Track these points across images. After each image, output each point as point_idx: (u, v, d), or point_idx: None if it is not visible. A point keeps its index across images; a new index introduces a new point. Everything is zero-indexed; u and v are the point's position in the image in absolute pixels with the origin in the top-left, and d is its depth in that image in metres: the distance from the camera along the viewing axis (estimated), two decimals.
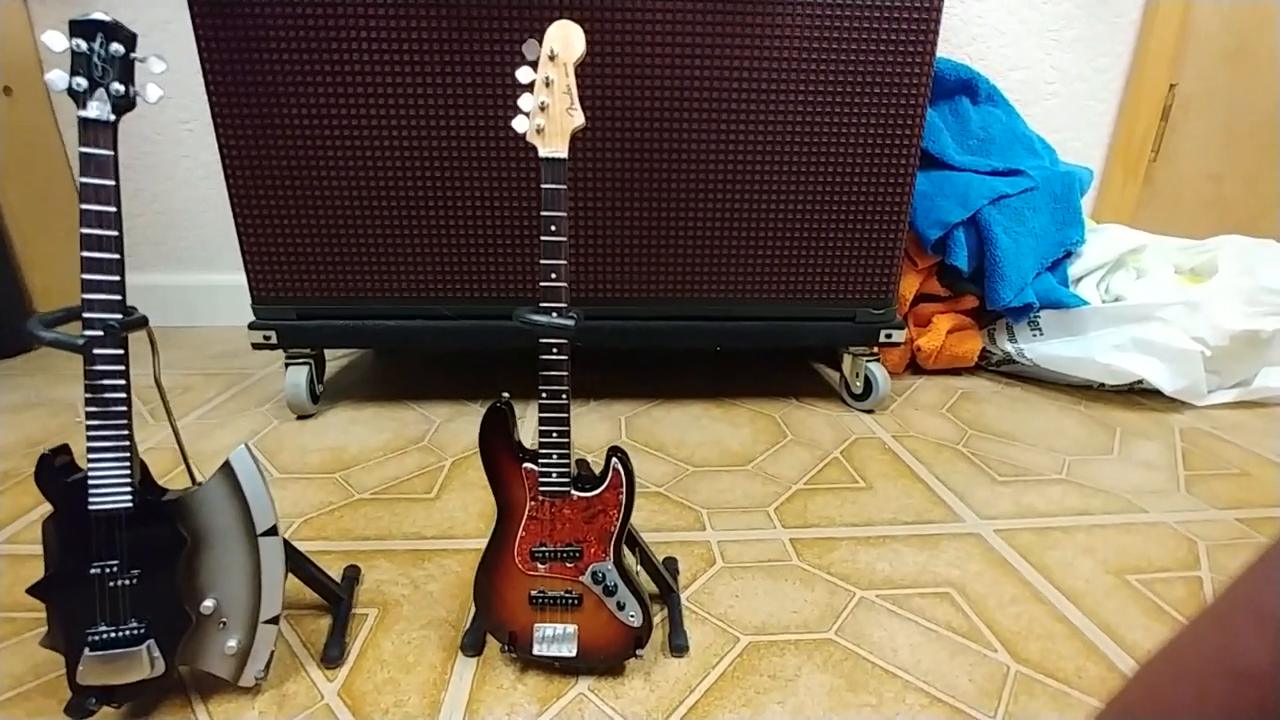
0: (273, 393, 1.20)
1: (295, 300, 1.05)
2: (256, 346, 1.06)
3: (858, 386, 1.15)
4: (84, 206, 0.46)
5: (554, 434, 0.52)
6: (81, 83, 0.44)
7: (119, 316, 0.46)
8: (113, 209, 0.46)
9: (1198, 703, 0.18)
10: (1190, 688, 0.19)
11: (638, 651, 0.55)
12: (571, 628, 0.55)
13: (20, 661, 0.57)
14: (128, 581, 0.49)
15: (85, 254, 0.46)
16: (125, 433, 0.48)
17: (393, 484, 0.89)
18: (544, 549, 0.54)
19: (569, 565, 0.54)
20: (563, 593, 0.54)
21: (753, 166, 0.99)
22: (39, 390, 1.21)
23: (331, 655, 0.58)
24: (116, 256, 0.47)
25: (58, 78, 0.43)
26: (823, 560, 0.74)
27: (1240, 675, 0.17)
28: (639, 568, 0.61)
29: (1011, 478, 0.93)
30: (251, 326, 1.05)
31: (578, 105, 0.49)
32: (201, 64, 0.91)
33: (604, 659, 0.56)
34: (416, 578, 0.70)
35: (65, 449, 0.49)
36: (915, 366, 1.35)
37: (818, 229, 1.03)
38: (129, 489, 0.48)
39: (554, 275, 0.50)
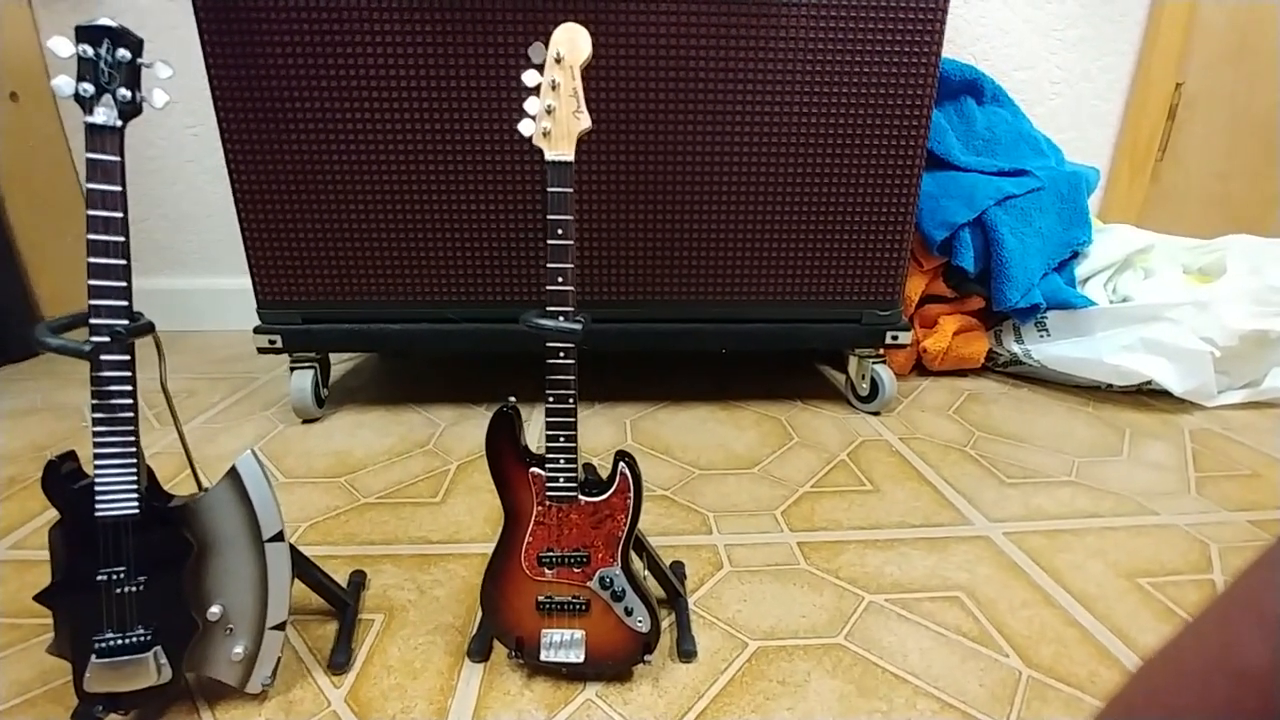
0: (278, 397, 1.20)
1: (300, 304, 1.05)
2: (262, 351, 1.06)
3: (864, 388, 1.15)
4: (91, 212, 0.45)
5: (561, 439, 0.51)
6: (88, 88, 0.43)
7: (125, 323, 0.46)
8: (119, 215, 0.46)
9: (1198, 703, 0.18)
10: (1191, 688, 0.19)
11: (645, 657, 0.55)
12: (579, 633, 0.54)
13: (28, 668, 0.57)
14: (134, 588, 0.49)
15: (92, 260, 0.46)
16: (132, 439, 0.48)
17: (398, 488, 0.89)
18: (551, 554, 0.53)
19: (576, 571, 0.53)
20: (570, 598, 0.54)
21: (758, 168, 0.99)
22: (46, 395, 1.21)
23: (338, 661, 0.58)
24: (123, 262, 0.47)
25: (64, 83, 0.43)
26: (831, 564, 0.73)
27: (1241, 675, 0.17)
28: (646, 572, 0.60)
29: (1020, 480, 0.93)
30: (257, 331, 1.05)
31: (584, 108, 0.49)
32: (207, 69, 0.91)
33: (612, 665, 0.55)
34: (423, 583, 0.70)
35: (72, 455, 0.49)
36: (921, 368, 1.34)
37: (823, 230, 1.03)
38: (135, 495, 0.48)
39: (561, 279, 0.50)
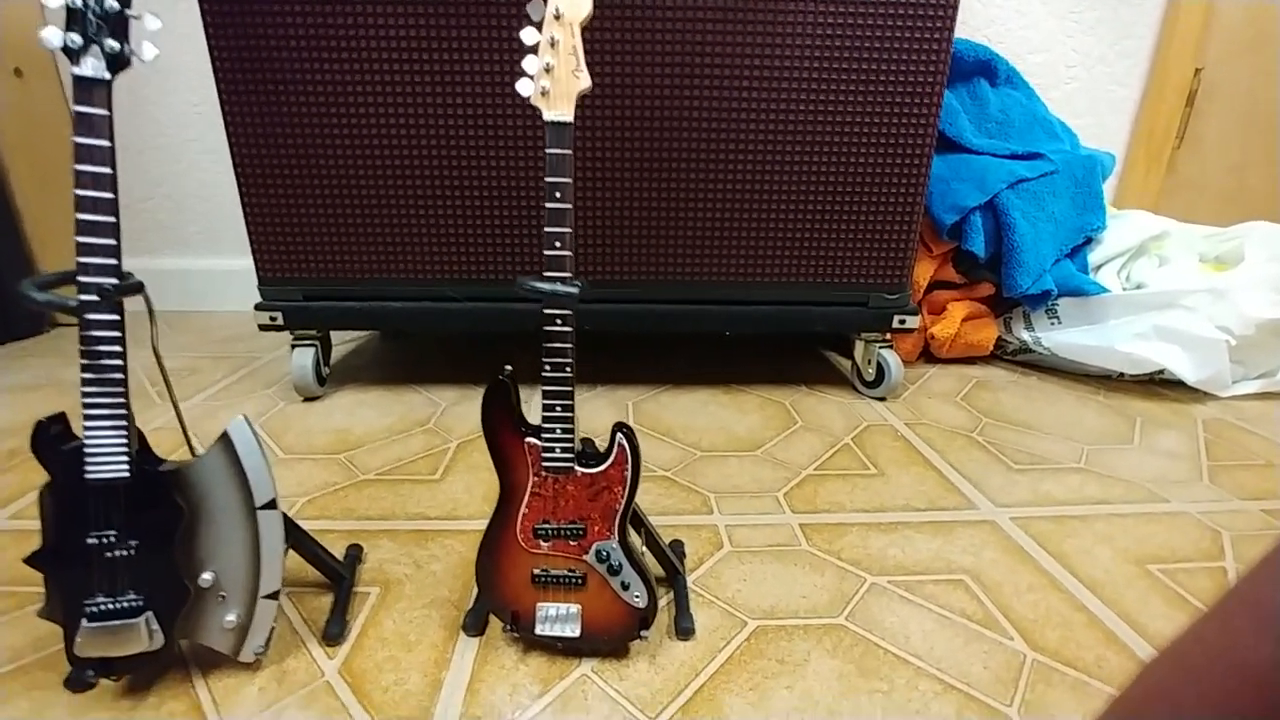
0: (279, 375, 1.20)
1: (301, 281, 1.04)
2: (263, 328, 1.06)
3: (870, 373, 1.13)
4: (78, 167, 0.44)
5: (558, 408, 0.50)
6: (76, 39, 0.42)
7: (114, 280, 0.45)
8: (108, 170, 0.45)
9: (1202, 700, 0.18)
10: (1194, 685, 0.19)
11: (642, 633, 0.54)
12: (575, 607, 0.53)
13: (21, 635, 0.57)
14: (125, 553, 0.48)
15: (79, 216, 0.45)
16: (122, 400, 0.47)
17: (397, 465, 0.88)
18: (547, 526, 0.52)
19: (572, 543, 0.52)
20: (566, 571, 0.53)
21: (765, 147, 0.97)
22: (49, 371, 1.21)
23: (332, 633, 0.57)
24: (112, 220, 0.46)
25: (52, 34, 0.42)
26: (833, 545, 0.72)
27: (1244, 673, 0.17)
28: (644, 549, 0.59)
29: (1028, 466, 0.91)
30: (258, 308, 1.05)
31: (584, 67, 0.47)
32: (207, 40, 0.90)
33: (608, 640, 0.55)
34: (419, 557, 0.69)
35: (61, 417, 0.48)
36: (929, 355, 1.32)
37: (831, 211, 1.01)
38: (126, 458, 0.47)
39: (558, 244, 0.49)
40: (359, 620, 0.60)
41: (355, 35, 0.90)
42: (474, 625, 0.58)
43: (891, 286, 1.06)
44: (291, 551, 0.59)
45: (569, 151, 0.48)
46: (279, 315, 1.05)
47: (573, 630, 0.53)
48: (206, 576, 0.50)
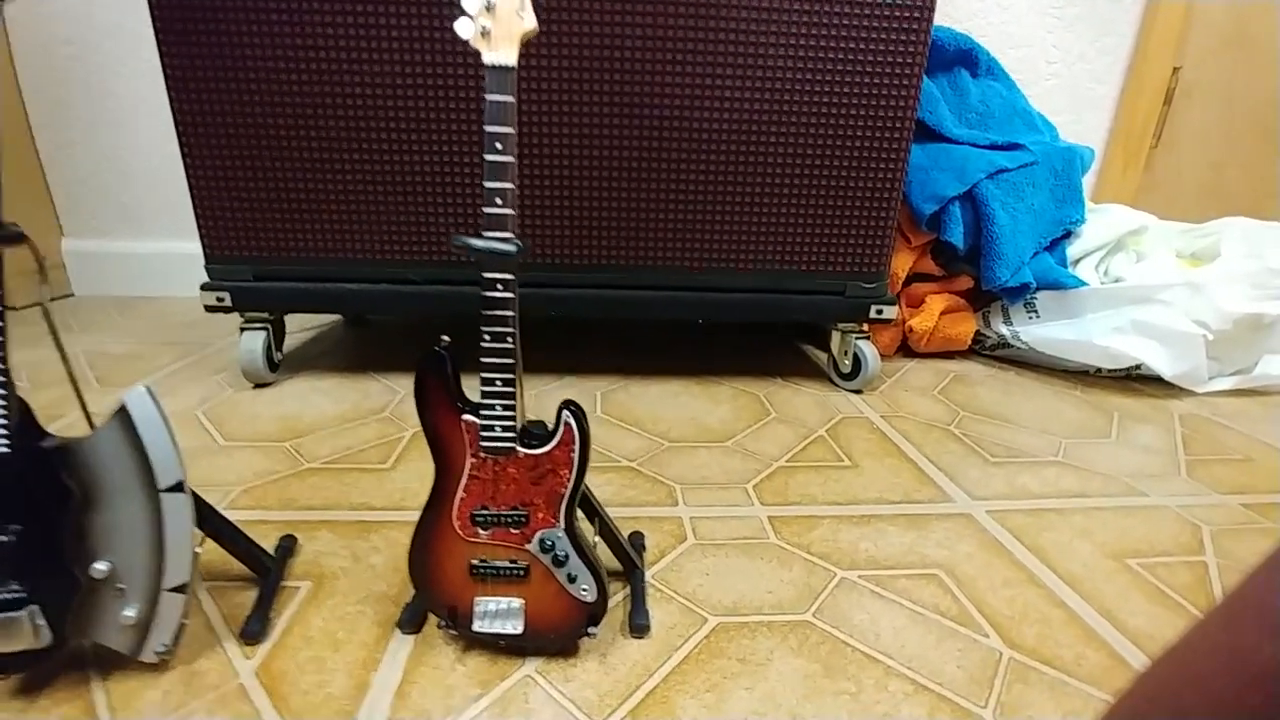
0: (230, 362, 1.13)
1: (251, 260, 0.98)
2: (209, 309, 1.00)
3: (846, 365, 1.10)
4: None
5: (498, 382, 0.46)
6: None
7: None
8: None
9: (1205, 704, 0.18)
10: (1197, 689, 0.18)
11: (590, 630, 0.50)
12: (517, 602, 0.49)
13: None
14: (6, 538, 0.43)
15: None
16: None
17: (346, 454, 0.83)
18: (486, 513, 0.48)
19: (514, 531, 0.48)
20: (507, 562, 0.48)
21: (741, 129, 0.93)
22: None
23: (251, 630, 0.52)
24: None
25: None
26: (802, 539, 0.68)
27: (1247, 676, 0.17)
28: (597, 539, 0.55)
29: (1005, 459, 0.88)
30: (204, 287, 0.99)
31: (529, 7, 0.43)
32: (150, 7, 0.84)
33: (554, 637, 0.50)
34: (359, 550, 0.64)
35: None
36: (907, 349, 1.30)
37: (808, 197, 0.98)
38: (4, 431, 0.42)
39: (499, 200, 0.44)
40: (284, 617, 0.55)
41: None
42: (410, 622, 0.53)
43: (869, 275, 1.03)
44: (212, 542, 0.54)
45: (511, 99, 0.44)
46: (226, 296, 0.99)
47: (514, 627, 0.48)
48: (100, 566, 0.45)
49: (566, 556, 0.48)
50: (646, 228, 0.98)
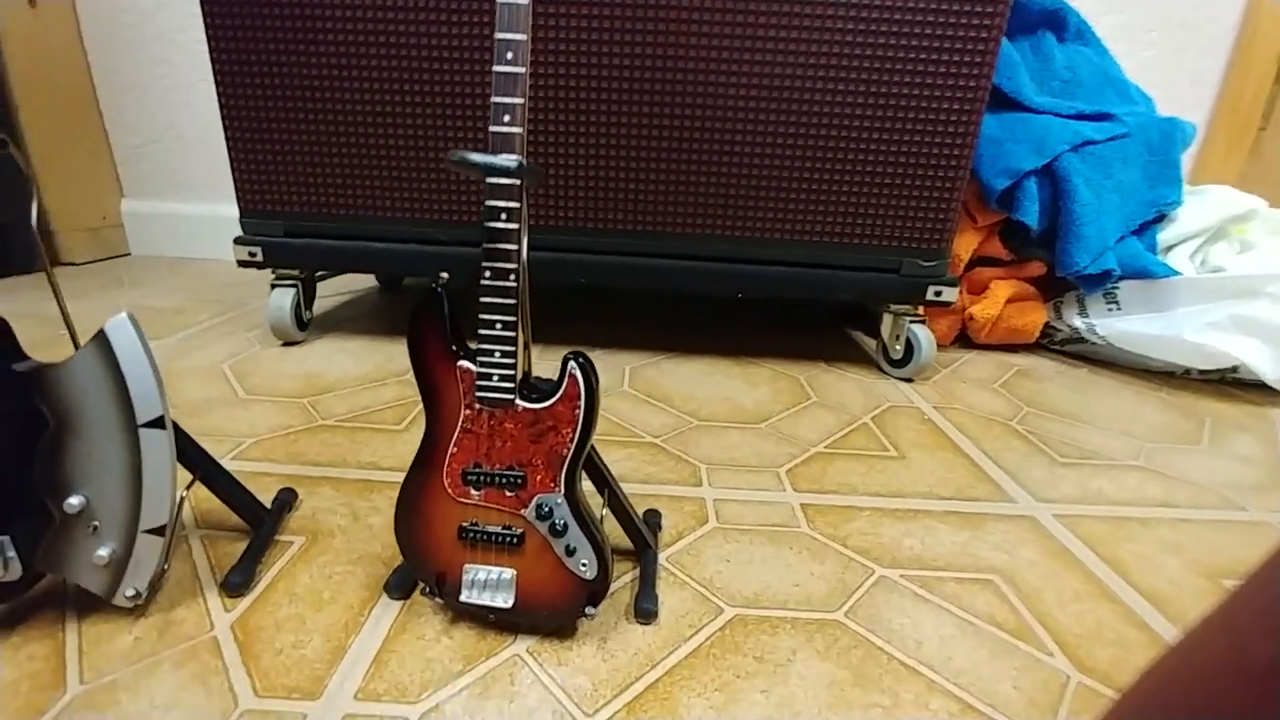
0: (263, 321, 1.13)
1: (283, 215, 0.97)
2: (242, 264, 0.99)
3: (897, 350, 1.01)
4: None
5: (497, 324, 0.41)
6: None
7: None
8: None
9: (1208, 703, 0.18)
10: (1197, 689, 0.18)
11: (588, 610, 0.44)
12: (509, 573, 0.44)
13: None
14: None
15: None
16: None
17: (362, 413, 0.80)
18: (479, 471, 0.43)
19: (509, 494, 0.43)
20: (500, 528, 0.44)
21: (793, 87, 0.85)
22: (37, 305, 1.18)
23: (233, 582, 0.49)
24: None
25: None
26: (838, 530, 0.61)
27: (1251, 675, 0.17)
28: (605, 511, 0.49)
29: (1076, 460, 0.78)
30: (237, 241, 0.98)
31: None
32: None
33: (548, 615, 0.45)
34: (359, 509, 0.61)
35: None
36: (965, 339, 1.19)
37: (863, 163, 0.89)
38: None
39: (507, 118, 0.39)
40: (272, 571, 0.52)
41: None
42: (398, 587, 0.49)
43: (928, 252, 0.94)
44: (200, 485, 0.52)
45: (525, 1, 0.39)
46: (258, 251, 0.98)
47: (504, 600, 0.44)
48: (73, 501, 0.42)
49: (565, 526, 0.43)
50: (684, 191, 0.91)
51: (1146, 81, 1.44)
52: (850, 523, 0.63)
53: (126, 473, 0.43)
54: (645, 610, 0.48)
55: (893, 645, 0.48)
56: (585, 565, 0.43)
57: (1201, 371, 1.05)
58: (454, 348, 0.42)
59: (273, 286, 1.01)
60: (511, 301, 0.40)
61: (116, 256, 1.58)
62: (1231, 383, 1.06)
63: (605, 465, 0.50)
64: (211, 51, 0.88)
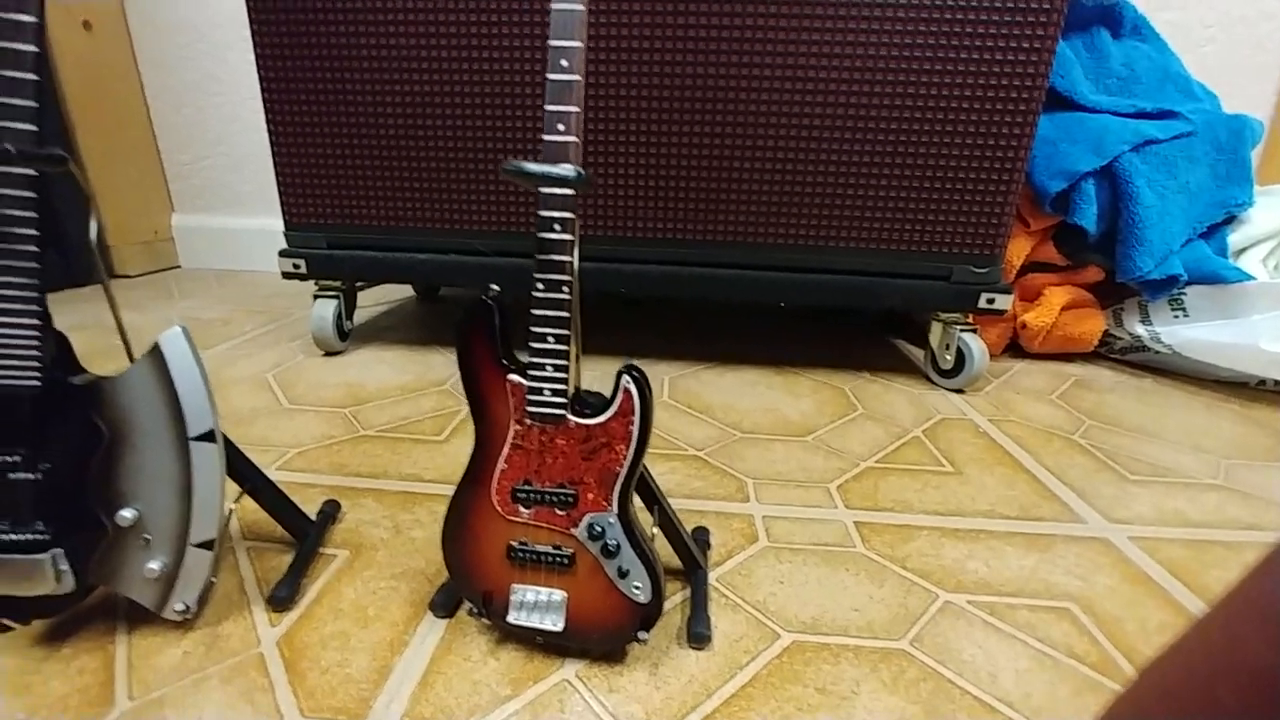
0: (305, 331, 1.15)
1: (326, 228, 0.98)
2: (286, 275, 1.01)
3: (947, 360, 0.97)
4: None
5: (550, 338, 0.39)
6: None
7: (28, 148, 0.37)
8: (32, 19, 0.37)
9: (1204, 703, 0.18)
10: (1197, 688, 0.18)
11: (641, 634, 0.42)
12: (559, 594, 0.42)
13: None
14: (33, 476, 0.41)
15: None
16: (33, 294, 0.39)
17: (402, 424, 0.80)
18: (529, 489, 0.42)
19: (560, 513, 0.42)
20: (550, 548, 0.42)
21: (839, 89, 0.83)
22: (97, 315, 1.22)
23: (279, 596, 0.48)
24: (32, 78, 0.38)
25: None
26: (896, 551, 0.58)
27: (1247, 674, 0.16)
28: (656, 530, 0.48)
29: (1148, 478, 0.74)
30: (282, 254, 1.00)
31: None
32: None
33: (598, 638, 0.43)
34: (401, 522, 0.60)
35: None
36: (1016, 348, 1.14)
37: (912, 167, 0.86)
38: (36, 364, 0.39)
39: (562, 126, 0.38)
40: (316, 585, 0.51)
41: None
42: (444, 605, 0.48)
43: (980, 258, 0.90)
44: (254, 503, 0.51)
45: (580, 7, 0.37)
46: (302, 263, 0.99)
47: (554, 623, 0.42)
48: (127, 514, 0.42)
49: (618, 547, 0.41)
50: (729, 199, 0.89)
51: (1205, 78, 1.38)
52: (908, 543, 0.60)
53: (177, 486, 0.43)
54: (698, 634, 0.46)
55: (965, 678, 0.45)
56: (639, 588, 0.41)
57: (1278, 382, 0.98)
58: (504, 361, 0.41)
59: (315, 298, 1.03)
60: (565, 314, 0.39)
61: (167, 269, 1.63)
62: None
63: (654, 481, 0.48)
64: (260, 73, 0.90)
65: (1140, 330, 1.06)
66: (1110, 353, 1.13)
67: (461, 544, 0.44)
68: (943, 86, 0.82)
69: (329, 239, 0.99)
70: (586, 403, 0.41)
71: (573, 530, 0.42)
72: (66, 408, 0.41)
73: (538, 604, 0.42)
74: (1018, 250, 1.07)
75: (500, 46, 0.85)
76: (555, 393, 0.40)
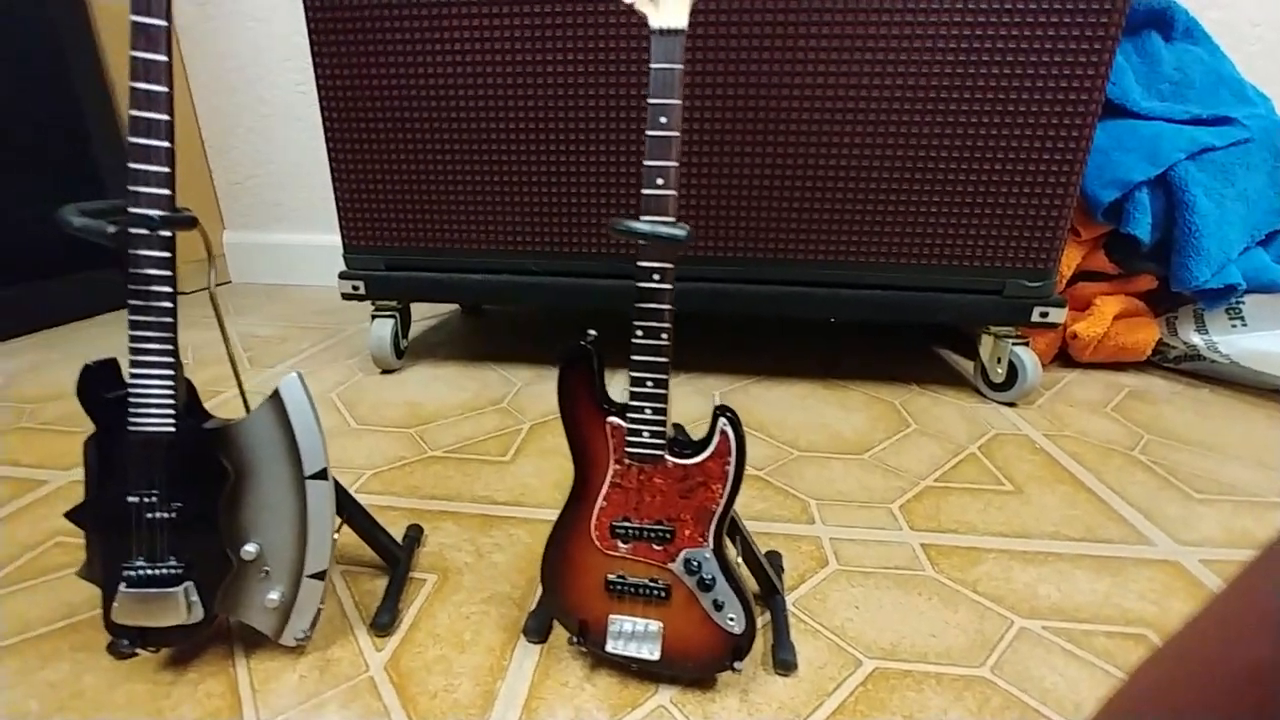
0: (361, 347, 1.19)
1: (384, 250, 1.01)
2: (346, 297, 1.04)
3: (998, 374, 0.97)
4: (134, 85, 0.40)
5: (649, 383, 0.41)
6: None
7: (162, 212, 0.40)
8: (164, 89, 0.40)
9: (1201, 699, 0.18)
10: (1191, 686, 0.18)
11: (735, 664, 0.44)
12: (655, 625, 0.44)
13: (77, 592, 0.55)
14: (167, 515, 0.44)
15: (133, 140, 0.40)
16: (169, 347, 0.42)
17: (467, 444, 0.83)
18: (628, 525, 0.44)
19: (657, 548, 0.43)
20: (647, 581, 0.44)
21: (890, 102, 0.83)
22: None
23: (382, 621, 0.51)
24: (166, 145, 0.41)
25: None
26: (966, 575, 0.59)
27: (1243, 671, 0.17)
28: (739, 560, 0.49)
29: (1215, 496, 0.73)
30: (342, 276, 1.03)
31: None
32: (305, 12, 0.88)
33: (694, 667, 0.45)
34: (482, 545, 0.62)
35: (112, 363, 0.44)
36: (1064, 357, 1.14)
37: (966, 182, 0.86)
38: (171, 411, 0.42)
39: (660, 181, 0.40)
40: (412, 610, 0.54)
41: (443, 6, 0.85)
42: (536, 630, 0.50)
43: (1034, 272, 0.90)
44: (346, 528, 0.54)
45: (679, 66, 0.39)
46: (361, 284, 1.03)
47: (651, 652, 0.44)
48: (250, 548, 0.45)
49: (713, 580, 0.43)
50: (779, 215, 0.90)
51: (1252, 79, 1.35)
52: (977, 566, 0.61)
53: (294, 521, 0.46)
54: (784, 661, 0.48)
55: (1049, 707, 0.46)
56: (733, 620, 0.43)
57: None
58: (604, 404, 0.43)
59: (373, 317, 1.06)
60: (664, 360, 0.41)
61: (219, 285, 1.68)
62: None
63: (736, 513, 0.49)
64: (321, 103, 0.93)
65: (1196, 339, 1.05)
66: (1164, 362, 1.12)
67: (561, 575, 0.46)
68: (996, 100, 0.82)
69: (387, 261, 1.02)
70: (682, 443, 0.43)
71: (669, 565, 0.44)
72: (197, 451, 0.44)
73: (635, 634, 0.44)
74: (1068, 260, 1.06)
75: (549, 74, 0.87)
76: (654, 434, 0.42)
